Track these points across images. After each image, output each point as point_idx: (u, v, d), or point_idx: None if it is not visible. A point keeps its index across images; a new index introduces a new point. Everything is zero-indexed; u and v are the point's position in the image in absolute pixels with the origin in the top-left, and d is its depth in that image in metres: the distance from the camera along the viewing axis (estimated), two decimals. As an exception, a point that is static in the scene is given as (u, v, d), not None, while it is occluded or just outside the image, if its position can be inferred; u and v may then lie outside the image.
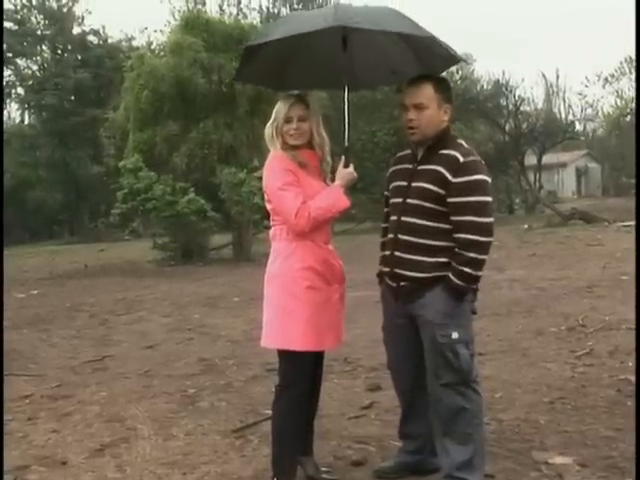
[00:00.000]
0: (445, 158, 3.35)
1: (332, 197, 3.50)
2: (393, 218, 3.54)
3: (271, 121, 3.63)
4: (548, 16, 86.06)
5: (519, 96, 29.32)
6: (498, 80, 29.85)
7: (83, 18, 39.14)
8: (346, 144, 3.77)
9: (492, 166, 31.74)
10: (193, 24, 19.10)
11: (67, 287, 15.26)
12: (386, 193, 3.72)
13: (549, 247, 16.11)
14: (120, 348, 7.92)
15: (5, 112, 40.85)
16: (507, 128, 30.16)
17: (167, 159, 18.96)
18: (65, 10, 38.79)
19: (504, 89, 29.14)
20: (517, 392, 5.10)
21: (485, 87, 32.23)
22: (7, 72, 38.29)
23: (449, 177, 3.30)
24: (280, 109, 3.61)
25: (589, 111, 37.80)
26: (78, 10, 39.46)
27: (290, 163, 3.51)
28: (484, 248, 3.30)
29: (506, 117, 29.65)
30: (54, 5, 38.58)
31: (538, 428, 4.34)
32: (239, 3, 41.81)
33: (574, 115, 38.26)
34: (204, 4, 33.52)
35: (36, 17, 38.63)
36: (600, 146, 49.22)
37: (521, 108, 31.03)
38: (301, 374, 3.49)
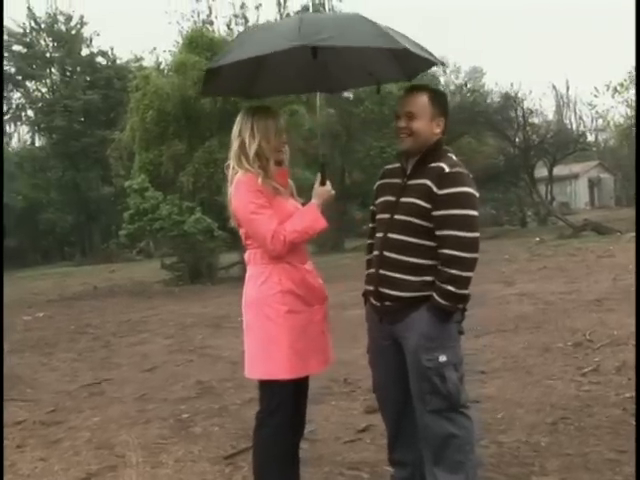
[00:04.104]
0: (432, 170, 3.19)
1: (308, 218, 3.34)
2: (379, 235, 3.38)
3: (255, 138, 3.36)
4: (555, 28, 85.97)
5: (528, 108, 29.11)
6: (505, 92, 29.67)
7: (91, 40, 39.39)
8: (321, 160, 3.60)
9: (502, 179, 31.74)
10: (197, 43, 19.07)
11: (74, 309, 15.20)
12: (372, 208, 3.56)
13: (560, 260, 15.87)
14: (119, 371, 7.80)
15: (15, 135, 41.09)
16: (517, 140, 29.95)
17: (173, 179, 18.90)
18: (73, 32, 38.96)
19: (512, 101, 28.93)
20: (519, 412, 4.90)
21: (494, 100, 32.15)
22: (17, 95, 38.57)
23: (435, 189, 3.14)
24: (268, 124, 3.40)
25: (600, 122, 37.61)
26: (86, 32, 39.62)
27: (259, 184, 3.31)
28: (468, 265, 3.12)
29: (515, 129, 29.44)
30: (62, 28, 38.78)
31: (539, 451, 4.15)
32: (246, 22, 41.90)
33: (585, 126, 38.07)
34: (212, 24, 33.65)
35: (45, 40, 38.81)
36: (612, 156, 48.94)
37: (531, 120, 30.86)
38: (285, 401, 3.33)
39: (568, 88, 52.85)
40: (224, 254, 19.73)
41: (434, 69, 38.44)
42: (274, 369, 3.29)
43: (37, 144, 40.08)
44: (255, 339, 3.37)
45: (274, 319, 3.29)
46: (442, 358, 3.15)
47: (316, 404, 5.60)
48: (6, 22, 37.28)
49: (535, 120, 32.18)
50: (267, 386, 3.35)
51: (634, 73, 29.90)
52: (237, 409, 5.68)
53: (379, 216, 3.43)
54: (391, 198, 3.34)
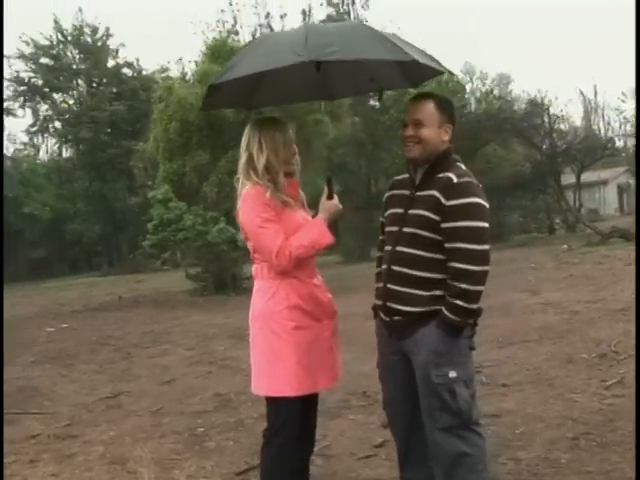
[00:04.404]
0: (440, 181, 3.10)
1: (315, 233, 3.26)
2: (387, 248, 3.29)
3: (263, 152, 3.30)
4: (583, 31, 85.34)
5: (554, 114, 28.81)
6: (531, 99, 29.39)
7: (117, 51, 39.72)
8: (328, 173, 3.51)
9: (530, 186, 31.44)
10: (219, 53, 19.10)
11: (98, 320, 15.22)
12: (382, 219, 3.47)
13: (586, 268, 15.62)
14: (138, 383, 7.76)
15: (43, 146, 41.46)
16: (544, 147, 29.64)
17: (197, 189, 18.91)
18: (100, 44, 39.32)
19: (539, 108, 28.65)
20: (539, 427, 4.77)
21: (520, 106, 31.89)
22: (44, 107, 38.92)
23: (443, 200, 3.04)
24: (276, 137, 3.34)
25: (628, 127, 37.14)
26: (112, 43, 39.96)
27: (267, 198, 3.25)
28: (478, 278, 3.02)
29: (542, 136, 29.15)
30: (89, 40, 39.16)
31: (558, 468, 4.02)
32: (272, 31, 42.00)
33: (613, 131, 37.61)
34: (237, 33, 33.72)
35: (72, 52, 39.20)
36: (641, 162, 48.23)
37: (558, 126, 30.55)
38: (291, 418, 3.24)
39: (596, 93, 52.38)
40: (248, 264, 19.62)
41: (461, 76, 38.33)
42: (279, 386, 3.21)
43: (64, 155, 40.44)
44: (261, 354, 3.30)
45: (280, 334, 3.21)
46: (452, 374, 3.05)
47: (332, 418, 5.55)
48: (34, 35, 37.87)
49: (562, 126, 31.92)
50: (273, 403, 3.28)
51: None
52: (253, 423, 5.58)
53: (388, 229, 3.34)
54: (399, 210, 3.25)
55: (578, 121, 42.98)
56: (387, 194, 3.45)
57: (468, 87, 42.18)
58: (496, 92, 40.71)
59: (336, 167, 27.42)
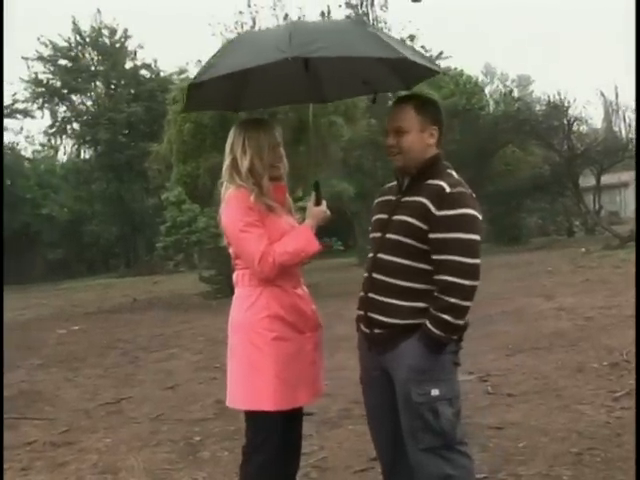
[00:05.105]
0: (430, 189, 2.92)
1: (301, 240, 3.12)
2: (370, 255, 3.12)
3: (247, 154, 3.18)
4: (603, 31, 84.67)
5: (573, 116, 28.46)
6: (549, 100, 29.08)
7: (136, 53, 39.79)
8: (316, 178, 3.38)
9: (549, 189, 31.13)
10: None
11: (110, 322, 15.15)
12: (370, 228, 3.32)
13: (604, 272, 15.35)
14: (141, 389, 7.66)
15: (61, 148, 41.60)
16: (563, 149, 29.31)
17: (211, 191, 18.73)
18: (118, 46, 39.42)
19: (558, 109, 28.33)
20: (543, 441, 4.60)
21: (539, 108, 31.57)
22: (62, 108, 39.04)
23: (433, 210, 2.87)
24: (260, 139, 3.21)
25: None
26: (130, 45, 40.06)
27: (250, 201, 3.12)
28: (467, 293, 2.84)
29: (561, 138, 28.82)
30: (107, 41, 39.25)
31: (560, 485, 3.87)
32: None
33: (633, 133, 37.09)
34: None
35: (90, 54, 39.31)
36: (663, 164, 47.68)
37: (578, 128, 30.20)
38: (271, 435, 3.09)
39: (617, 95, 51.73)
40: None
41: (480, 78, 38.07)
42: (257, 399, 3.07)
43: (82, 157, 40.55)
44: (238, 366, 3.16)
45: (259, 346, 3.07)
46: (434, 392, 2.88)
47: (332, 428, 5.43)
48: (52, 37, 38.03)
49: (582, 128, 31.54)
50: (251, 418, 3.13)
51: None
52: (250, 432, 5.46)
53: (371, 235, 3.17)
54: (384, 216, 3.09)
55: (599, 123, 42.45)
56: (375, 201, 3.29)
57: (488, 89, 41.98)
58: (516, 93, 40.45)
59: (352, 169, 27.24)
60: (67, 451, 5.40)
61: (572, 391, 5.76)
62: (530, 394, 5.81)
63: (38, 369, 9.47)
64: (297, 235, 3.14)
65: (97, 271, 38.61)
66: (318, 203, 3.26)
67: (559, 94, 28.81)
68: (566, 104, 28.20)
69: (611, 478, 3.90)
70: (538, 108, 31.65)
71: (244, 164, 3.17)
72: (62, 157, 42.62)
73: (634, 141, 32.91)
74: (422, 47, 37.85)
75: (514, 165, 31.32)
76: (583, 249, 22.07)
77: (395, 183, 3.17)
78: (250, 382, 3.10)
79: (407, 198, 3.00)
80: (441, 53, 37.65)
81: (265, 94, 3.79)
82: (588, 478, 3.93)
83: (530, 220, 35.11)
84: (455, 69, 31.36)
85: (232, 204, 3.16)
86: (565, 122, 28.10)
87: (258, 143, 3.19)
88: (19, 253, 36.00)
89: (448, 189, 2.89)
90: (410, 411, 2.93)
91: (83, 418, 6.47)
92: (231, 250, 3.24)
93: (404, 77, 3.41)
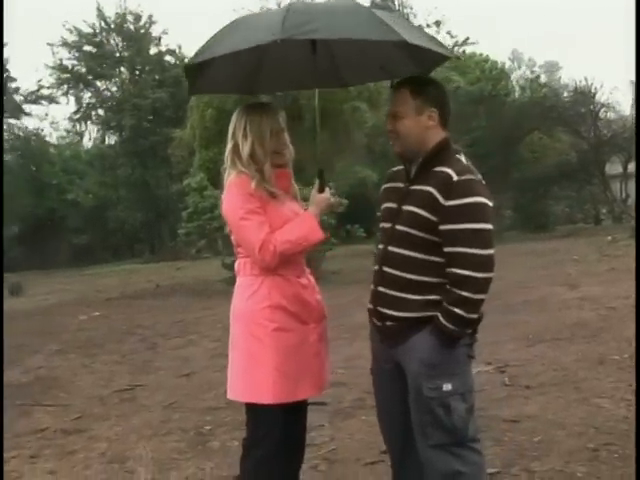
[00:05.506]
0: (438, 176, 2.78)
1: (303, 228, 3.01)
2: (380, 247, 2.99)
3: (248, 139, 3.08)
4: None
5: (600, 102, 28.05)
6: (576, 87, 28.67)
7: (160, 39, 39.73)
8: (319, 165, 3.27)
9: (576, 176, 30.75)
10: (258, 39, 18.84)
11: (131, 308, 15.16)
12: (378, 214, 3.19)
13: (629, 260, 15.00)
14: (156, 376, 7.62)
15: (86, 133, 41.74)
16: (590, 136, 28.91)
17: (233, 177, 18.75)
18: (142, 32, 39.39)
19: (585, 96, 27.93)
20: (559, 435, 4.46)
21: (566, 94, 31.18)
22: (87, 94, 39.15)
23: (441, 200, 2.73)
24: (262, 124, 3.10)
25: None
26: (155, 31, 40.01)
27: (252, 188, 3.02)
28: (480, 286, 2.71)
29: (589, 125, 28.42)
30: (132, 27, 39.22)
31: (574, 483, 3.74)
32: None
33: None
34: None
35: (114, 39, 39.31)
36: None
37: (605, 114, 29.78)
38: (272, 429, 3.00)
39: (646, 81, 50.90)
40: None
41: (507, 64, 37.60)
42: (256, 392, 2.98)
43: (107, 143, 40.64)
44: (239, 357, 3.08)
45: (259, 337, 2.98)
46: (447, 387, 2.76)
47: (345, 419, 5.34)
48: (77, 23, 38.09)
49: (609, 115, 31.07)
50: (252, 411, 3.04)
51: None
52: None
53: (381, 225, 3.04)
54: (393, 205, 2.95)
55: (628, 110, 41.82)
56: (383, 186, 3.15)
57: (515, 75, 41.48)
58: (543, 79, 39.90)
59: (376, 155, 27.07)
60: (77, 439, 5.37)
61: (592, 384, 5.62)
62: (548, 386, 5.68)
63: (56, 355, 9.48)
64: (299, 223, 3.04)
65: (122, 257, 38.75)
66: (322, 190, 3.15)
67: (586, 80, 28.41)
68: (593, 90, 27.77)
69: (627, 476, 3.75)
70: (566, 94, 31.26)
71: (245, 149, 3.08)
72: (87, 143, 42.79)
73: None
74: (448, 33, 37.68)
75: (541, 152, 30.95)
76: (609, 237, 21.74)
77: (402, 167, 3.04)
78: (250, 374, 3.01)
79: (415, 187, 2.86)
80: (467, 39, 37.28)
81: (281, 77, 3.71)
82: (604, 475, 3.80)
83: (557, 208, 34.73)
84: (480, 55, 30.95)
85: (233, 191, 3.08)
86: (592, 109, 27.68)
87: (260, 128, 3.08)
88: (44, 239, 36.25)
89: (455, 177, 2.74)
90: (420, 406, 2.81)
91: (96, 405, 6.44)
92: (233, 238, 3.14)
93: (420, 62, 3.27)
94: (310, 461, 4.37)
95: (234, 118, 3.17)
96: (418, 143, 2.87)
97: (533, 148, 30.93)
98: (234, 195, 3.06)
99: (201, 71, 3.24)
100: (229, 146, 3.15)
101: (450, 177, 2.75)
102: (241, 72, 3.48)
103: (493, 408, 5.14)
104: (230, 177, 3.11)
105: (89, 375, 7.95)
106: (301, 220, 3.05)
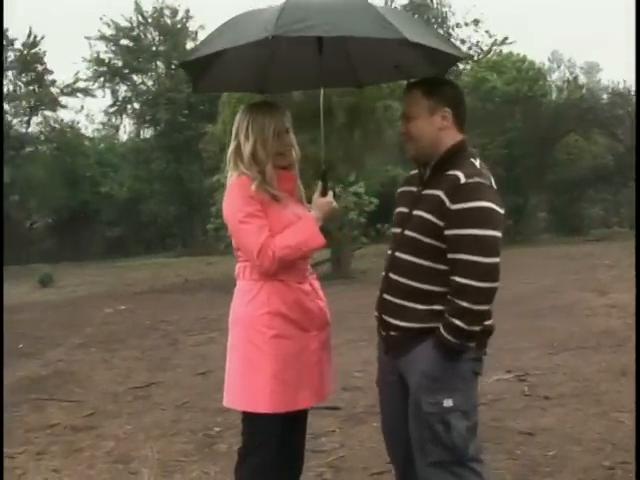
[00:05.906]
0: (448, 180, 2.65)
1: (304, 233, 2.91)
2: (388, 252, 2.88)
3: (250, 139, 2.99)
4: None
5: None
6: (613, 89, 28.21)
7: (197, 33, 39.59)
8: (323, 167, 3.15)
9: (612, 179, 30.29)
10: (290, 36, 18.75)
11: (158, 302, 15.17)
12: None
13: (664, 267, 14.77)
14: (173, 373, 7.57)
15: (121, 127, 41.93)
16: (626, 139, 28.43)
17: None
18: (179, 26, 39.43)
19: (623, 98, 27.48)
20: (575, 451, 4.31)
21: (605, 96, 30.71)
22: (123, 87, 39.31)
23: (447, 203, 2.61)
24: (265, 124, 3.00)
25: None
26: (192, 26, 40.00)
27: (252, 190, 2.92)
28: (482, 296, 2.57)
29: (625, 127, 27.95)
30: (168, 21, 39.27)
31: (585, 502, 3.60)
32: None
33: None
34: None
35: (151, 34, 39.38)
36: None
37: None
38: (268, 438, 2.91)
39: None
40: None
41: (546, 65, 37.03)
42: (253, 400, 2.89)
43: (142, 136, 40.72)
44: (236, 363, 2.99)
45: (257, 343, 2.88)
46: (447, 402, 2.63)
47: (356, 425, 5.22)
48: (115, 17, 38.24)
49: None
50: (248, 419, 2.96)
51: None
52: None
53: (392, 230, 2.93)
54: (405, 210, 2.84)
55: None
56: (398, 190, 3.04)
57: (555, 75, 40.82)
58: (581, 81, 39.32)
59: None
60: (86, 436, 5.32)
61: (613, 396, 5.44)
62: (568, 397, 5.51)
63: (77, 348, 9.48)
64: (300, 228, 2.93)
65: (154, 250, 38.90)
66: (324, 194, 3.04)
67: (624, 82, 27.94)
68: (632, 92, 27.31)
69: (642, 497, 3.61)
70: (605, 96, 30.79)
71: (247, 150, 2.99)
72: (122, 136, 42.97)
73: None
74: (486, 32, 37.26)
75: (576, 154, 30.53)
76: (644, 242, 21.35)
77: (417, 171, 2.92)
78: (247, 382, 2.92)
79: (427, 191, 2.74)
80: (506, 39, 36.80)
81: (290, 76, 3.63)
82: (617, 496, 3.65)
83: (592, 211, 34.28)
84: (517, 55, 30.54)
85: (233, 192, 2.99)
86: (630, 111, 27.23)
87: (262, 128, 2.98)
88: (78, 231, 36.51)
89: (463, 179, 2.61)
90: (420, 421, 2.69)
91: (110, 402, 6.40)
92: (233, 241, 3.05)
93: (433, 62, 3.14)
94: (315, 469, 4.28)
95: (238, 117, 3.08)
96: (432, 145, 2.76)
97: (569, 150, 30.51)
98: (234, 197, 2.97)
99: (204, 69, 3.16)
100: (232, 146, 3.06)
101: (458, 179, 2.63)
102: (246, 70, 3.39)
103: (509, 419, 5.01)
104: (232, 178, 3.01)
105: (107, 371, 7.91)
106: (302, 225, 2.95)
